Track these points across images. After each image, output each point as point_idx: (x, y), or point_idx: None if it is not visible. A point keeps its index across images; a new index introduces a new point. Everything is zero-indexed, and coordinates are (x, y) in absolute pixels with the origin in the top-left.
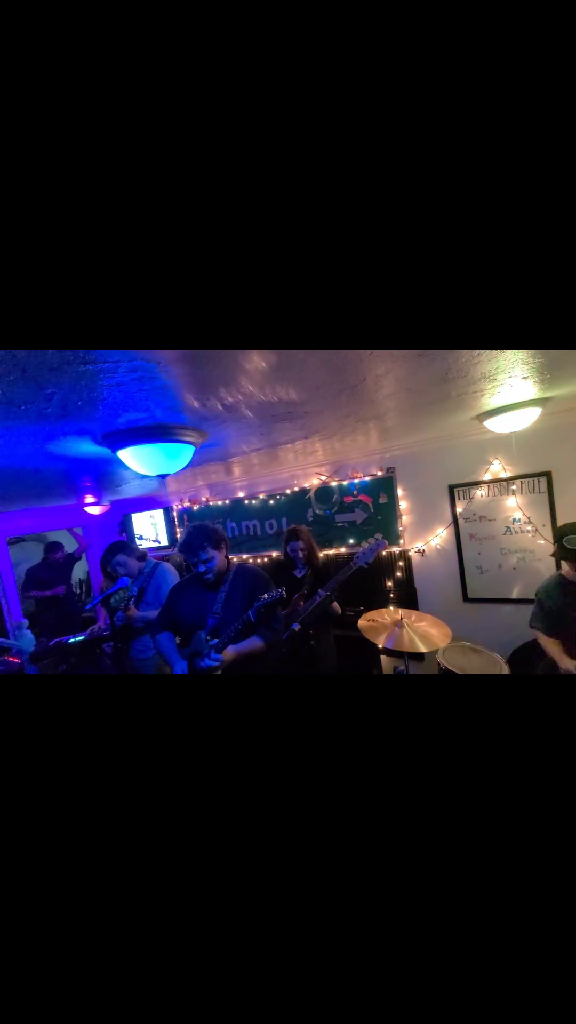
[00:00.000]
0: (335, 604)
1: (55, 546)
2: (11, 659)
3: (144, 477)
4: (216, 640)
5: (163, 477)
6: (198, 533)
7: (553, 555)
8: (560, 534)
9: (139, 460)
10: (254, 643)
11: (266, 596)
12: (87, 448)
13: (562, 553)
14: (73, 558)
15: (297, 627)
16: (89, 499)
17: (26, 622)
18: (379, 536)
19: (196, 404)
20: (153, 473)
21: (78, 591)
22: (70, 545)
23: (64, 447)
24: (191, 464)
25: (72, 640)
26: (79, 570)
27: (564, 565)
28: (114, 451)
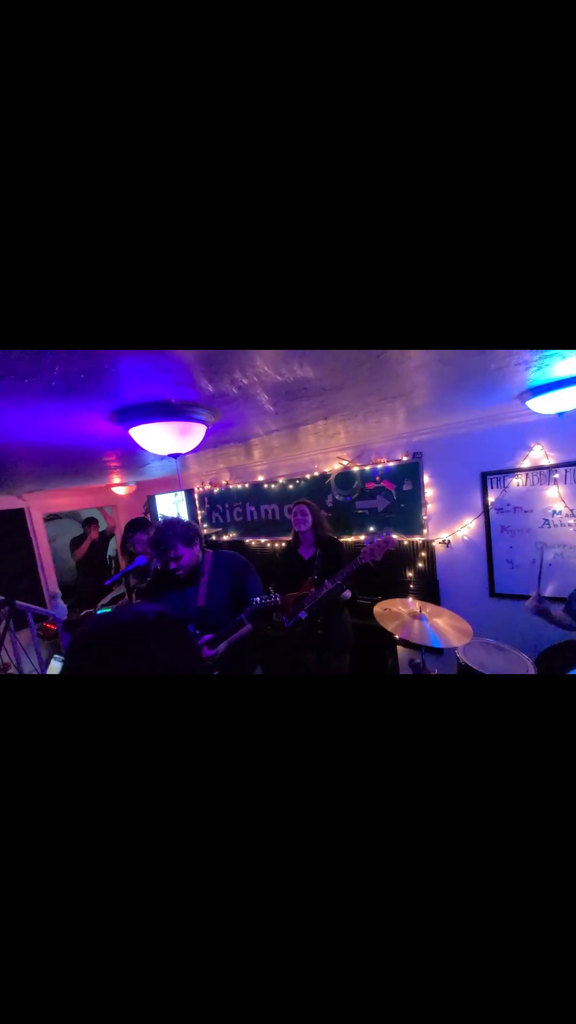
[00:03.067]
0: (347, 592)
1: (90, 521)
2: (48, 626)
3: (164, 458)
4: (210, 636)
5: (176, 456)
6: (169, 531)
7: None
8: None
9: (150, 439)
10: (243, 629)
11: (258, 600)
12: (101, 427)
13: None
14: (106, 535)
15: (304, 616)
16: (116, 479)
17: (60, 593)
18: (387, 532)
19: (203, 377)
20: (165, 453)
21: (109, 565)
22: (101, 524)
23: (79, 425)
24: (211, 445)
25: (100, 612)
26: (110, 548)
27: None
28: (126, 429)
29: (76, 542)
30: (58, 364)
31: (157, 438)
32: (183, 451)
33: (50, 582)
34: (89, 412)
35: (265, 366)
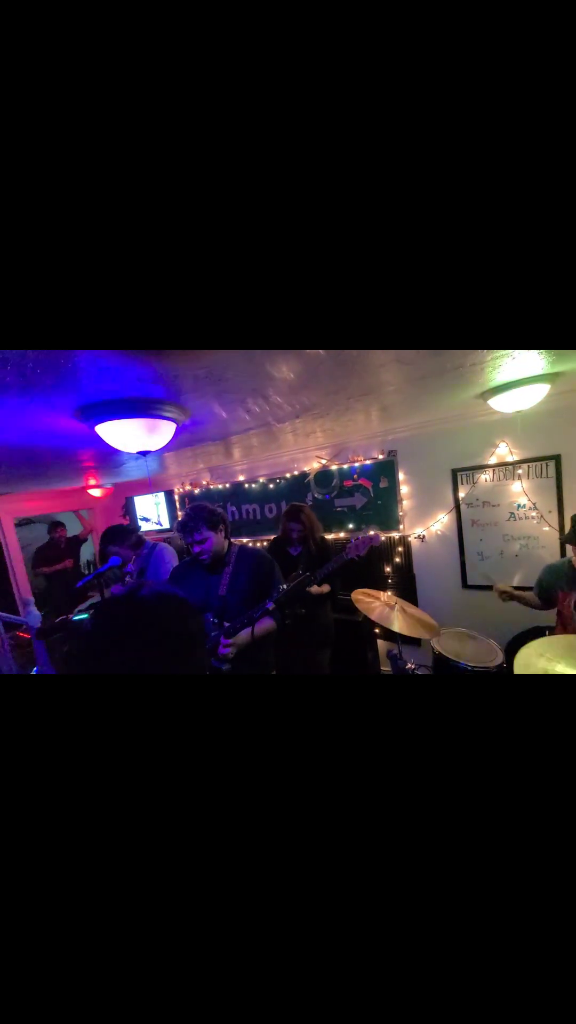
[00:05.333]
0: (315, 587)
1: (56, 525)
2: (21, 634)
3: (139, 457)
4: (228, 624)
5: (144, 454)
6: (194, 513)
7: (562, 539)
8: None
9: (118, 436)
10: (267, 624)
11: (285, 587)
12: (67, 424)
13: (571, 536)
14: (79, 540)
15: (271, 606)
16: (91, 481)
17: (32, 600)
18: (374, 531)
19: (167, 370)
20: (133, 450)
21: (86, 571)
22: (76, 527)
23: (42, 423)
24: (186, 444)
25: (77, 618)
26: (87, 551)
27: (569, 549)
28: (91, 427)
29: (41, 554)
30: (12, 357)
31: (125, 436)
32: (153, 448)
33: (22, 589)
34: (52, 408)
35: (237, 379)
